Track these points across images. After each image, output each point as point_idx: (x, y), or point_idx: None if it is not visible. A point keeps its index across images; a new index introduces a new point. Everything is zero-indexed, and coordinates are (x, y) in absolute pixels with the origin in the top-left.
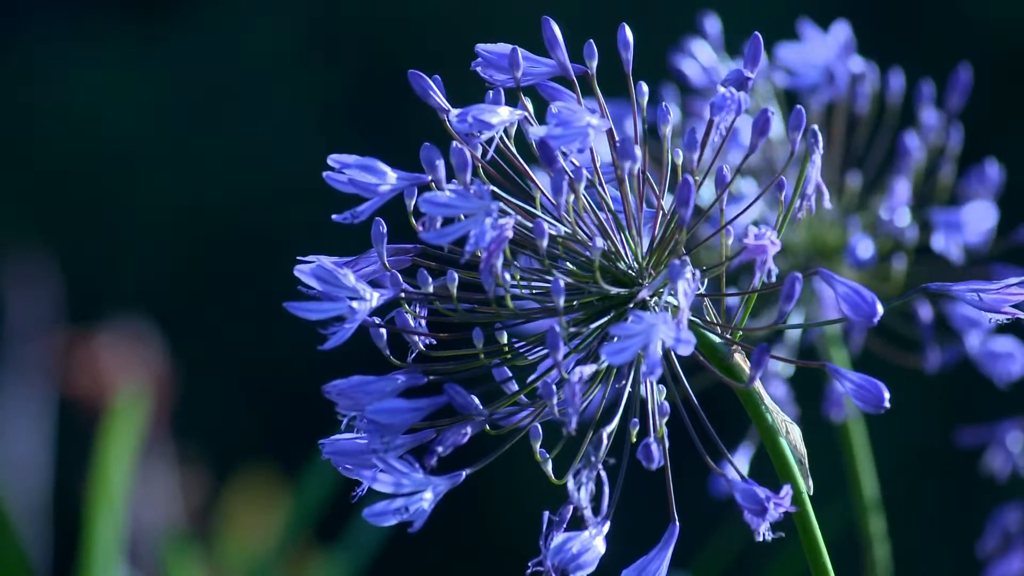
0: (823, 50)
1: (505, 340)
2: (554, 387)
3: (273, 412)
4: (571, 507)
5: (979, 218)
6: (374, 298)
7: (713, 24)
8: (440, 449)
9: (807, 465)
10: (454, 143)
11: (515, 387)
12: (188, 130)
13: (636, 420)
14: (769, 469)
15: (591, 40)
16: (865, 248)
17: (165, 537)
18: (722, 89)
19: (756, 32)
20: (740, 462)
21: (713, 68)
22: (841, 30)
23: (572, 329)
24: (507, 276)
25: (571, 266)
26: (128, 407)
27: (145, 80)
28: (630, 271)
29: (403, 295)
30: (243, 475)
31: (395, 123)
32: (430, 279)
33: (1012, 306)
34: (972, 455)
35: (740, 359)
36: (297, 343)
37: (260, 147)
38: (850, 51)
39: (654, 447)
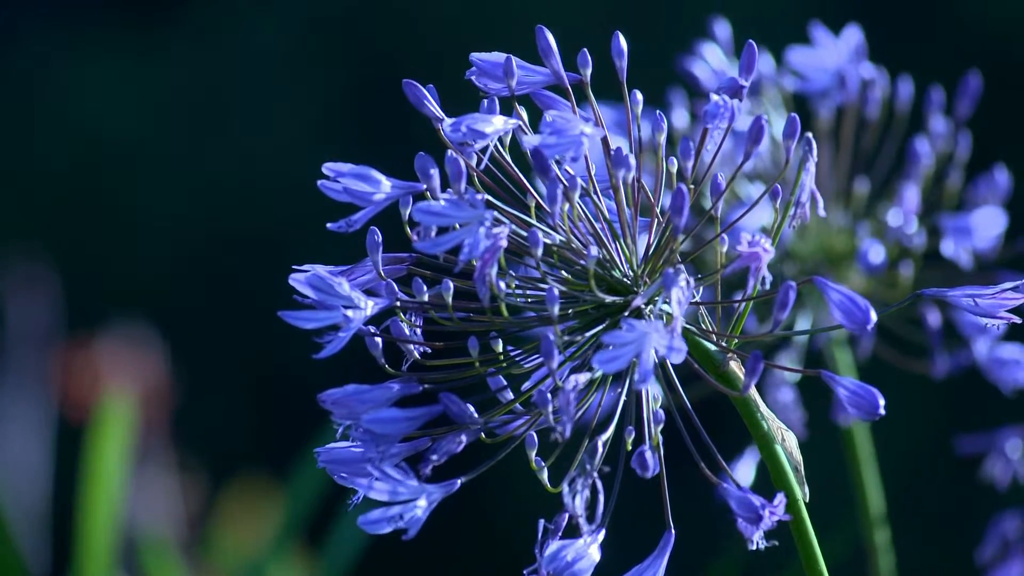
0: (834, 54)
1: (500, 349)
2: (549, 395)
3: (272, 418)
4: (566, 515)
5: (988, 224)
6: (369, 307)
7: (723, 28)
8: (435, 457)
9: (803, 472)
10: (449, 152)
11: (510, 395)
12: (188, 134)
13: (631, 428)
14: (767, 477)
15: (584, 49)
16: (876, 253)
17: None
18: (715, 97)
19: (750, 40)
20: (747, 467)
21: (723, 72)
22: (852, 34)
23: (567, 338)
24: (502, 285)
25: (566, 274)
26: (115, 413)
27: (145, 84)
28: (625, 279)
29: (398, 304)
30: (241, 481)
31: (396, 126)
32: (425, 288)
33: (1009, 311)
34: (973, 461)
35: (735, 367)
36: (296, 349)
37: (260, 150)
38: (862, 55)
39: (649, 455)
